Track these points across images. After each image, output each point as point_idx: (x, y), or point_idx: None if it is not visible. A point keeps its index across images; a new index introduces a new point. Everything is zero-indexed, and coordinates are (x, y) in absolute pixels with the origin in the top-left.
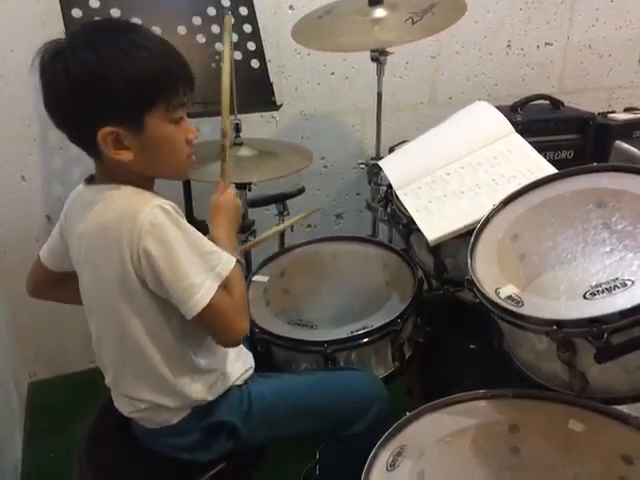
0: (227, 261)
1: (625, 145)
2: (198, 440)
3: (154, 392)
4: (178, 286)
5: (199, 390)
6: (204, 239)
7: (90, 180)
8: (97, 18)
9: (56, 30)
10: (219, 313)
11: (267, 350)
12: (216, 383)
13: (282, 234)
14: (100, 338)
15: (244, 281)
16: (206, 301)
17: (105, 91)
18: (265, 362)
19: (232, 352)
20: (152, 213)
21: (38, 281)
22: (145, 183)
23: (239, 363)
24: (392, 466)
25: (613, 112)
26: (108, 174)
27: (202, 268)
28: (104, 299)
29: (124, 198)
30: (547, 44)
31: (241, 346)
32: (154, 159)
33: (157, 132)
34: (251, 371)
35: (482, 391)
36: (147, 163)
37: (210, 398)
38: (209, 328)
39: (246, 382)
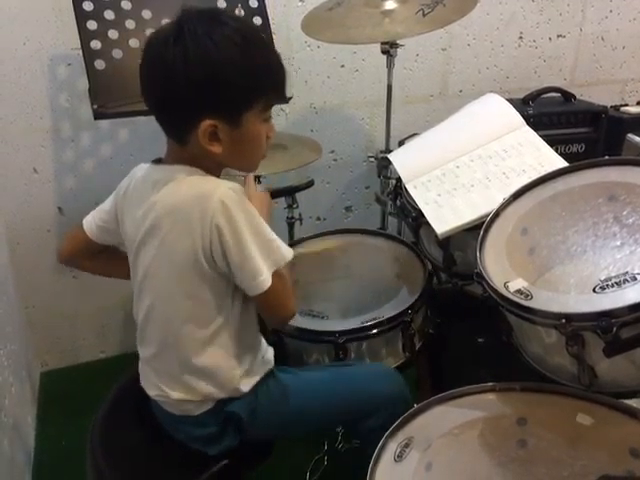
0: (285, 251)
1: (637, 138)
2: (213, 433)
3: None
4: (243, 267)
5: (230, 380)
6: (266, 225)
7: (158, 162)
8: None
9: (67, 23)
10: (276, 295)
11: (279, 340)
12: (245, 377)
13: (291, 226)
14: (149, 315)
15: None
16: (266, 286)
17: (218, 83)
18: (277, 352)
19: (263, 348)
20: (225, 195)
21: (75, 250)
22: (216, 171)
23: (266, 358)
24: (399, 457)
25: (626, 105)
26: (184, 158)
27: (262, 254)
28: (164, 277)
29: (195, 181)
30: (559, 36)
31: (267, 345)
32: (240, 154)
33: (251, 130)
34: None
35: (490, 384)
36: (232, 156)
37: (244, 389)
38: (266, 307)
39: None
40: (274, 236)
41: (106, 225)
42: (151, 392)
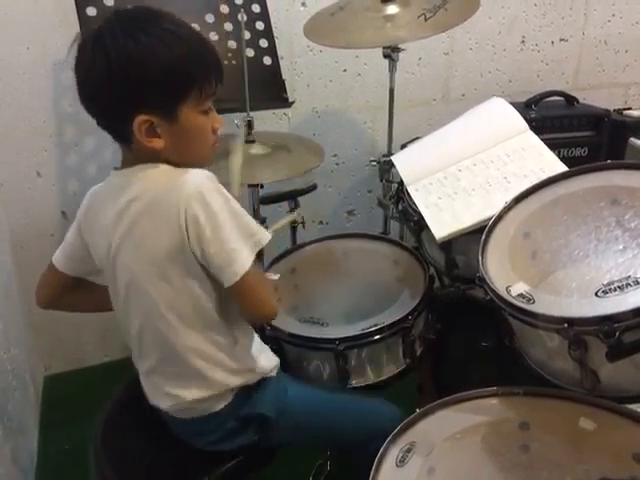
0: (264, 234)
1: None
2: (231, 428)
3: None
4: (221, 251)
5: (241, 359)
6: (241, 208)
7: (117, 169)
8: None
9: (70, 28)
10: (255, 284)
11: (278, 348)
12: (257, 356)
13: (294, 230)
14: (142, 329)
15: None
16: (245, 268)
17: (142, 78)
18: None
19: (256, 346)
20: (198, 180)
21: (52, 290)
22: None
23: (266, 355)
24: (402, 462)
25: (629, 109)
26: (137, 159)
27: (241, 236)
28: (149, 282)
29: (166, 173)
30: (562, 40)
31: (262, 343)
32: (184, 147)
33: (189, 122)
34: (278, 366)
35: (493, 388)
36: (176, 151)
37: (264, 367)
38: (244, 299)
39: (278, 377)
40: (251, 218)
41: (76, 253)
42: (164, 404)
